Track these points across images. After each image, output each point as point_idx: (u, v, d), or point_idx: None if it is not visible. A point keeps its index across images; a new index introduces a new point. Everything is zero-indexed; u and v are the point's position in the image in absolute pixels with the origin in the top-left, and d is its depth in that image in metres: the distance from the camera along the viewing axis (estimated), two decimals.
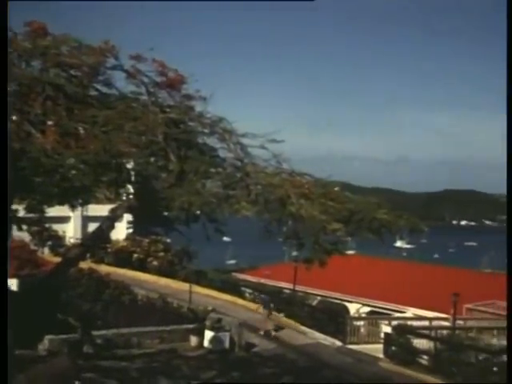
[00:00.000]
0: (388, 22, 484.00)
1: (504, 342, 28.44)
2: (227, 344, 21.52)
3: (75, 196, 13.69)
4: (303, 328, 27.48)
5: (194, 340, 21.66)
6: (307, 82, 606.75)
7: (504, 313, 33.80)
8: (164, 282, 35.04)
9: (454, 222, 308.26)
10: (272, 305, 28.36)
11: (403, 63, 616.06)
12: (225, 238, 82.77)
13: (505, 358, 24.32)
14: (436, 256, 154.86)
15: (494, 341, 28.70)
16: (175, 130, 13.45)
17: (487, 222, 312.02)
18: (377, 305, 40.21)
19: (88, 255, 29.00)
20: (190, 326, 22.33)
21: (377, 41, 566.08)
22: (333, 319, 29.40)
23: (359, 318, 33.55)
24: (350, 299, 41.13)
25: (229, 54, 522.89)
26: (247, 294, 34.93)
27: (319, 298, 38.52)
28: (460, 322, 30.53)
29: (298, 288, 36.90)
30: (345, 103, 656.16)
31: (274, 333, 22.84)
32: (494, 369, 23.59)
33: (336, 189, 17.38)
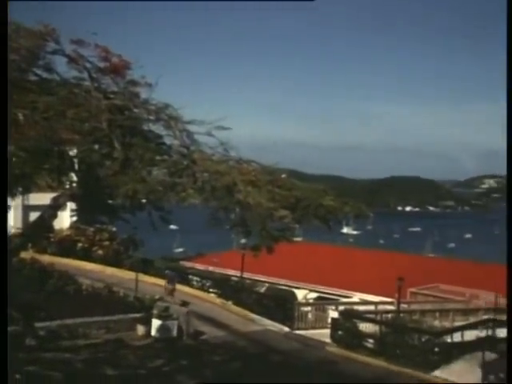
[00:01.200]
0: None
1: (445, 324, 29.36)
2: (175, 332, 21.38)
3: (15, 184, 13.27)
4: (251, 315, 27.57)
5: (140, 329, 21.44)
6: (256, 68, 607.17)
7: (445, 295, 34.85)
8: (110, 271, 34.53)
9: (399, 208, 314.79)
10: (176, 281, 28.37)
11: (351, 53, 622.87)
12: (172, 226, 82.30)
13: (446, 338, 25.15)
14: (381, 241, 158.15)
15: (436, 323, 29.56)
16: (119, 117, 13.20)
17: (430, 208, 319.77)
18: (324, 290, 40.80)
19: (30, 245, 28.25)
20: (137, 315, 22.08)
21: (327, 31, 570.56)
22: (281, 306, 29.60)
23: (307, 304, 33.93)
24: (297, 285, 41.57)
25: (177, 40, 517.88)
26: (195, 282, 34.81)
27: (267, 284, 38.79)
28: (404, 306, 31.26)
29: (246, 275, 37.02)
30: (293, 91, 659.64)
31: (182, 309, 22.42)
32: (436, 349, 24.29)
33: (283, 176, 17.45)
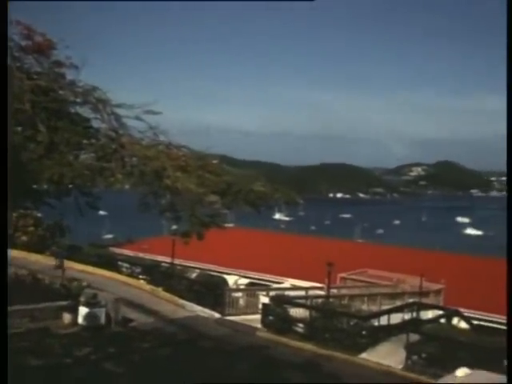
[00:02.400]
0: None
1: (373, 308, 30.04)
2: (103, 320, 21.03)
3: None
4: (182, 301, 27.43)
5: (67, 317, 20.98)
6: (190, 54, 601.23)
7: (373, 280, 35.62)
8: (34, 257, 33.57)
9: (330, 195, 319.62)
10: (63, 256, 28.06)
11: (285, 40, 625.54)
12: (101, 212, 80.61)
13: (373, 322, 25.76)
14: (313, 228, 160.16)
15: (364, 307, 30.17)
16: (44, 99, 12.77)
17: (361, 195, 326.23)
18: (255, 276, 40.97)
19: None
20: (63, 302, 21.57)
21: (265, 17, 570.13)
22: (211, 292, 29.55)
23: (238, 290, 34.01)
24: (228, 271, 41.57)
25: (111, 20, 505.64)
26: (124, 269, 34.30)
27: (198, 270, 38.57)
28: (334, 291, 31.74)
29: (177, 261, 36.75)
30: (226, 77, 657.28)
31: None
32: (364, 332, 24.85)
33: (214, 161, 17.34)
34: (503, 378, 13.87)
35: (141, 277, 33.01)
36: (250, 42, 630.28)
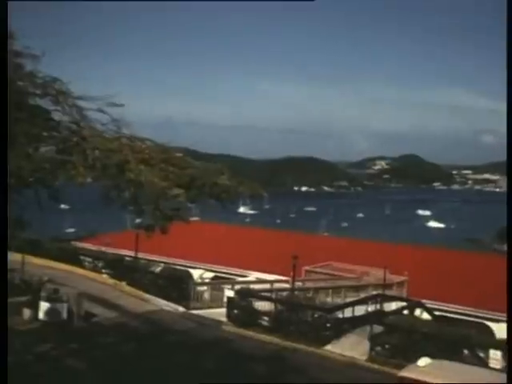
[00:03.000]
0: None
1: (338, 300, 30.26)
2: (65, 315, 20.69)
3: None
4: (146, 295, 27.20)
5: (26, 313, 20.57)
6: (152, 44, 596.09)
7: (338, 273, 35.84)
8: None
9: (295, 188, 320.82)
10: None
11: (248, 31, 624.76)
12: (62, 206, 79.18)
13: (338, 314, 25.93)
14: (278, 221, 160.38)
15: (329, 299, 30.38)
16: None
17: (325, 188, 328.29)
18: (220, 270, 40.82)
19: None
20: (23, 298, 21.14)
21: (224, 11, 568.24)
22: (176, 286, 29.40)
23: (203, 284, 33.88)
24: (193, 265, 41.35)
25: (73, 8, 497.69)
26: (87, 263, 33.81)
27: (162, 264, 38.26)
28: (299, 284, 31.83)
29: (141, 255, 36.37)
30: (190, 69, 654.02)
31: None
32: (328, 325, 25.01)
33: (178, 154, 17.17)
34: (465, 367, 14.11)
35: (104, 271, 32.62)
36: (216, 35, 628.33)
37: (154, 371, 17.21)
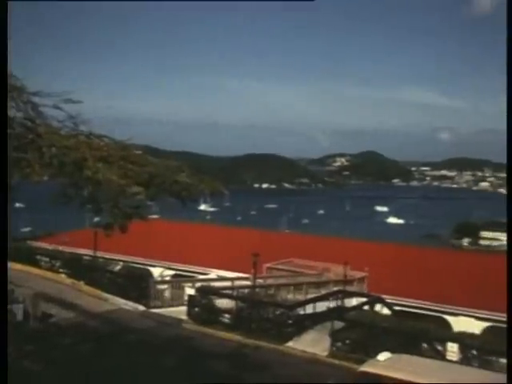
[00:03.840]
0: None
1: (299, 297, 30.37)
2: (20, 316, 20.22)
3: None
4: (105, 295, 26.83)
5: None
6: (111, 39, 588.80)
7: (299, 269, 35.99)
8: None
9: (256, 186, 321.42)
10: None
11: (211, 28, 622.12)
12: (17, 204, 77.54)
13: (299, 310, 26.02)
14: (239, 218, 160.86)
15: (290, 296, 30.48)
16: None
17: (286, 185, 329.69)
18: (181, 268, 40.62)
19: None
20: None
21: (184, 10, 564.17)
22: (136, 284, 29.08)
23: (163, 282, 33.59)
24: (153, 263, 41.06)
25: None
26: (43, 263, 33.16)
27: (122, 263, 37.86)
28: (260, 281, 31.84)
29: (100, 254, 35.85)
30: (151, 65, 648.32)
31: None
32: (289, 321, 25.07)
33: (137, 152, 16.94)
34: (424, 360, 14.28)
35: (61, 270, 32.04)
36: (175, 30, 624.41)
37: (114, 371, 16.97)
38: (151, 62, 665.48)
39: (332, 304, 28.59)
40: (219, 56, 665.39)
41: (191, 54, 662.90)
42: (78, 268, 32.05)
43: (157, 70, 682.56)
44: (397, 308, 32.37)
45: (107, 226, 14.76)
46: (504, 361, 21.60)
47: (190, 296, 26.86)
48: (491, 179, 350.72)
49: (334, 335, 23.35)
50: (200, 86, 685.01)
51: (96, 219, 15.65)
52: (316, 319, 25.87)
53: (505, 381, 11.64)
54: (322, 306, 27.40)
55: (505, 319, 31.72)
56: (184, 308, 26.53)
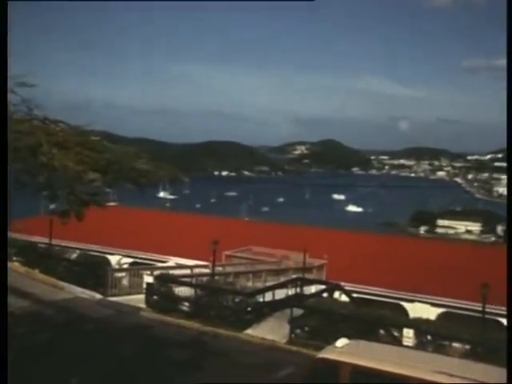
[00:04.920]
0: None
1: (258, 284, 30.46)
2: None
3: None
4: (61, 283, 26.39)
5: None
6: (70, 23, 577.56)
7: (258, 257, 36.08)
8: None
9: (216, 173, 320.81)
10: None
11: (175, 18, 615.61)
12: None
13: (258, 298, 26.07)
14: (198, 206, 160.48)
15: (249, 283, 30.55)
16: None
17: (246, 173, 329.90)
18: (139, 256, 40.32)
19: None
20: None
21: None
22: (93, 272, 28.69)
23: (121, 270, 33.27)
24: (111, 251, 40.64)
25: None
26: None
27: (79, 251, 37.32)
28: (219, 269, 31.82)
29: (55, 242, 35.26)
30: (109, 50, 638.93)
31: None
32: (248, 309, 25.12)
33: (94, 138, 16.66)
34: (381, 346, 14.46)
35: (15, 259, 31.37)
36: (135, 17, 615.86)
37: (70, 360, 16.71)
38: (112, 48, 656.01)
39: (291, 291, 28.76)
40: (181, 43, 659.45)
41: (153, 40, 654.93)
42: (32, 256, 31.40)
43: (118, 55, 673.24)
44: (355, 295, 32.76)
45: (63, 213, 14.47)
46: (457, 345, 22.23)
47: (149, 284, 26.63)
48: (448, 168, 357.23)
49: (293, 322, 23.48)
50: (161, 73, 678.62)
51: (52, 206, 15.32)
52: (275, 306, 25.97)
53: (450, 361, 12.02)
54: (281, 294, 27.52)
55: (459, 305, 32.66)
56: (142, 296, 26.29)
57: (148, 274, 28.24)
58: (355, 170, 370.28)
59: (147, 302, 25.72)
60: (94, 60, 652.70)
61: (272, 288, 27.75)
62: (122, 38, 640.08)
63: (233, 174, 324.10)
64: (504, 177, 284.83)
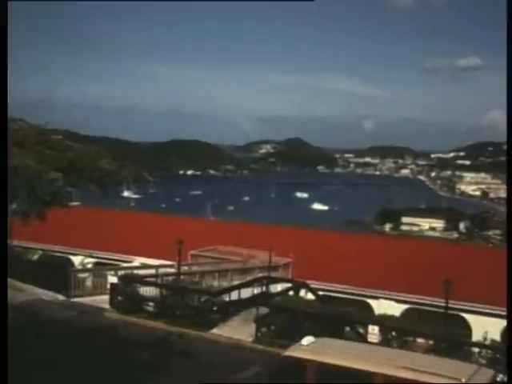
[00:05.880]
0: None
1: (224, 283, 30.36)
2: None
3: None
4: (21, 285, 25.87)
5: None
6: (33, 21, 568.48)
7: (224, 256, 35.95)
8: None
9: (181, 172, 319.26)
10: None
11: (146, 18, 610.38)
12: None
13: (224, 297, 25.99)
14: (163, 205, 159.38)
15: (215, 283, 30.43)
16: None
17: (212, 172, 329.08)
18: (103, 256, 39.81)
19: None
20: None
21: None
22: (55, 273, 28.21)
23: (84, 270, 32.82)
24: (74, 252, 40.04)
25: None
26: None
27: (40, 252, 36.62)
28: (185, 268, 31.58)
29: (16, 243, 34.52)
30: (73, 48, 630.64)
31: None
32: (214, 308, 25.02)
33: (56, 137, 16.42)
34: (346, 343, 14.53)
35: None
36: (102, 16, 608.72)
37: (33, 364, 16.38)
38: (71, 46, 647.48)
39: (257, 290, 28.72)
40: (142, 42, 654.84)
41: (117, 39, 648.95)
42: None
43: (81, 55, 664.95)
44: (321, 293, 32.87)
45: (24, 213, 14.24)
46: (421, 341, 22.52)
47: (113, 284, 26.32)
48: (412, 166, 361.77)
49: (259, 321, 23.45)
50: (124, 72, 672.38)
51: (12, 206, 14.99)
52: (241, 305, 25.90)
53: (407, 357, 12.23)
54: (247, 293, 27.46)
55: (423, 301, 33.05)
56: (106, 297, 25.97)
57: (112, 275, 27.93)
58: (321, 168, 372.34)
59: (111, 302, 25.42)
60: (57, 58, 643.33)
61: (238, 287, 27.68)
62: (88, 38, 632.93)
63: (198, 173, 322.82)
64: (466, 174, 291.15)
